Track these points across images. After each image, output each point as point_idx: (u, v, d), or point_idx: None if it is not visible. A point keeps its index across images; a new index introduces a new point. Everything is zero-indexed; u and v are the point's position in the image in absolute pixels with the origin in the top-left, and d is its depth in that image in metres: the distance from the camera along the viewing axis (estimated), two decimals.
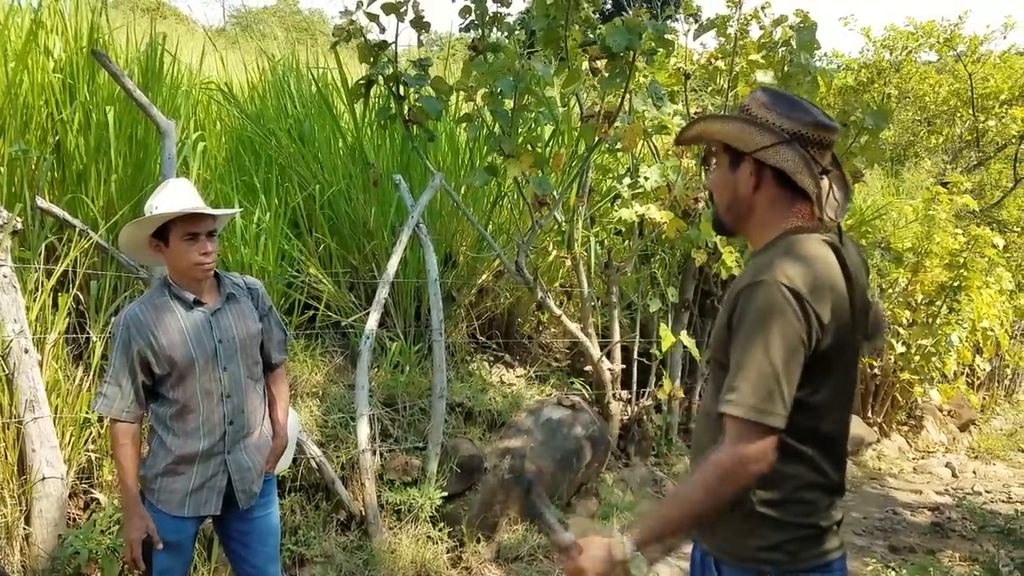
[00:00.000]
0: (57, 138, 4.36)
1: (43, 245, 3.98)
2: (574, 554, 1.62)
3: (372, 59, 4.52)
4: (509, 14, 4.67)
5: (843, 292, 1.66)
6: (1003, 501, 7.01)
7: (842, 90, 12.22)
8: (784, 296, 1.58)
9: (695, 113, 6.09)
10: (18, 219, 3.64)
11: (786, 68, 5.28)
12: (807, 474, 1.68)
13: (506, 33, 4.94)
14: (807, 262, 1.64)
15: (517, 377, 5.84)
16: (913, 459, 8.46)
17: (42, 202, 3.81)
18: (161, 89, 4.88)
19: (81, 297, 4.13)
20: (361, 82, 4.64)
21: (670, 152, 5.90)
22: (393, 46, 4.54)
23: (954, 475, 7.97)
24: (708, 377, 1.85)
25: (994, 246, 8.21)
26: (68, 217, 3.87)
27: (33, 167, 4.23)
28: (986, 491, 7.37)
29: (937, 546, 5.57)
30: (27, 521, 3.47)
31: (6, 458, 3.48)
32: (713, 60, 5.82)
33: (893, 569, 4.97)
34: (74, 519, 3.67)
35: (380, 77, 4.55)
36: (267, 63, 6.30)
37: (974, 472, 8.21)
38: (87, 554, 3.36)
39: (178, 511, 2.65)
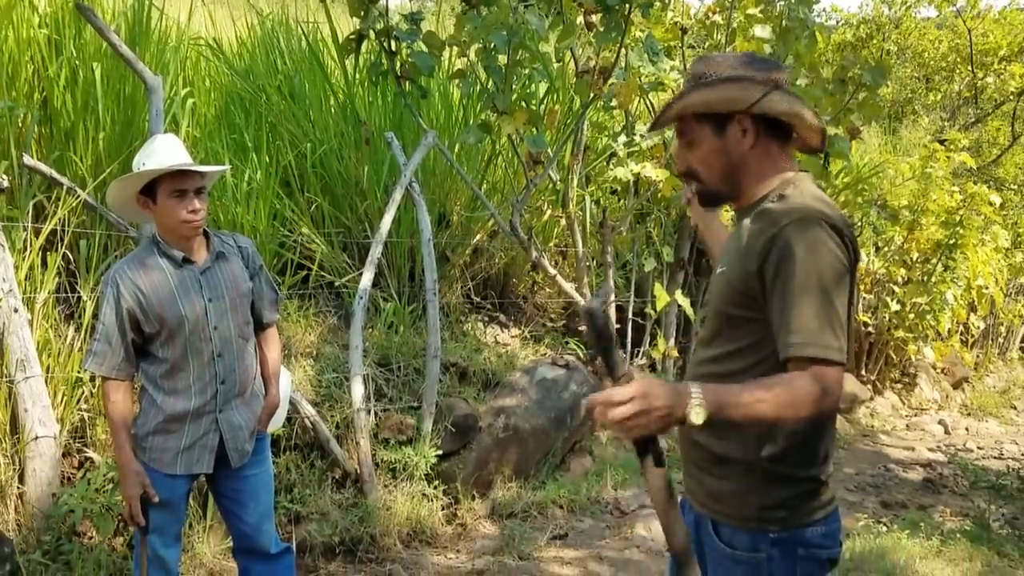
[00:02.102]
0: (44, 95, 4.29)
1: (31, 203, 3.93)
2: (626, 386, 1.49)
3: (363, 13, 4.43)
4: None
5: (853, 226, 1.66)
6: (995, 458, 7.08)
7: (841, 46, 12.09)
8: (827, 232, 1.57)
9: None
10: (5, 177, 3.59)
11: (784, 23, 5.20)
12: (809, 424, 1.65)
13: None
14: (825, 198, 1.65)
15: (512, 337, 5.84)
16: (906, 416, 8.53)
17: (29, 160, 3.75)
18: (149, 45, 4.79)
19: (70, 256, 4.10)
20: (351, 37, 4.55)
21: None
22: None
23: (947, 432, 8.04)
24: (708, 332, 1.78)
25: (991, 204, 8.17)
26: (56, 175, 3.82)
27: (20, 124, 4.16)
28: (978, 448, 7.44)
29: (929, 502, 5.63)
30: (21, 480, 3.47)
31: None
32: (711, 15, 5.74)
33: (885, 524, 5.02)
34: (68, 478, 3.67)
35: (371, 32, 4.46)
36: (256, 18, 6.19)
37: (966, 429, 8.28)
38: (81, 512, 3.36)
39: (170, 469, 2.64)
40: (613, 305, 6.05)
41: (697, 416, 1.46)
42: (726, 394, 1.50)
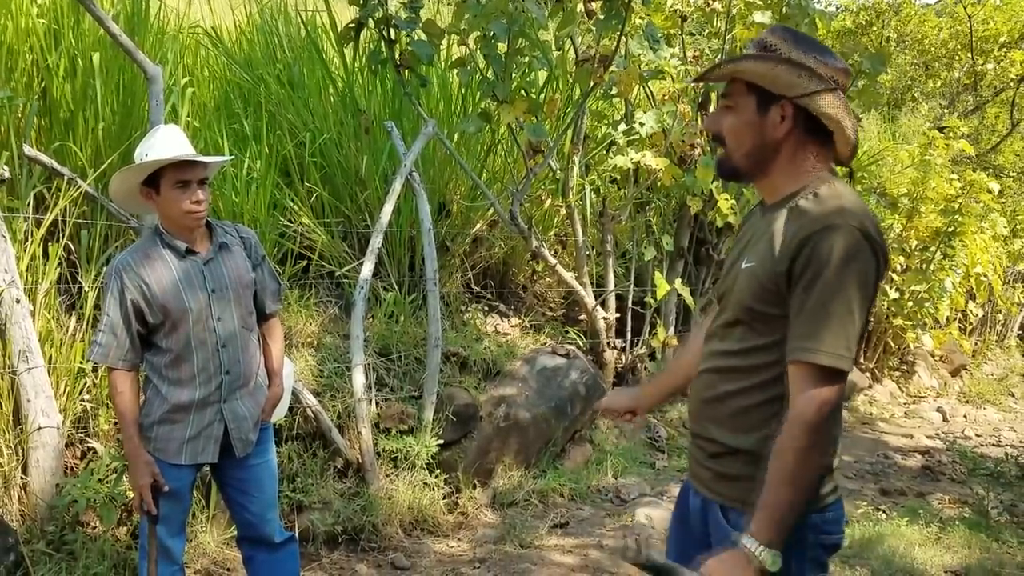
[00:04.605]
0: (43, 85, 4.28)
1: (32, 194, 3.92)
2: None
3: (362, 1, 4.42)
4: None
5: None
6: (993, 445, 7.10)
7: (840, 33, 12.06)
8: (860, 241, 1.57)
9: (692, 57, 6.01)
10: (5, 168, 3.58)
11: (784, 9, 5.19)
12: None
13: None
14: (863, 206, 1.65)
15: (512, 327, 5.84)
16: (904, 404, 8.55)
17: (30, 150, 3.75)
18: (147, 34, 4.78)
19: (72, 246, 4.09)
20: (351, 25, 4.54)
21: (666, 97, 5.83)
22: None
23: (945, 419, 8.06)
24: (728, 324, 1.77)
25: (989, 191, 8.17)
26: (56, 165, 3.81)
27: (19, 115, 4.15)
28: (976, 435, 7.47)
29: (927, 489, 5.65)
30: (24, 471, 3.48)
31: (1, 408, 3.48)
32: (711, 1, 5.71)
33: (884, 512, 5.05)
34: (72, 468, 3.68)
35: (370, 20, 4.45)
36: (254, 5, 6.16)
37: (965, 416, 8.31)
38: (85, 502, 3.38)
39: (175, 459, 2.65)
40: (613, 295, 6.06)
41: (773, 564, 1.54)
42: (770, 509, 1.56)
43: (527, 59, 4.84)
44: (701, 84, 5.56)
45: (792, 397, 1.60)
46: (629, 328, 6.27)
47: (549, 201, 5.88)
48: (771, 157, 1.72)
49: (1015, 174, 11.44)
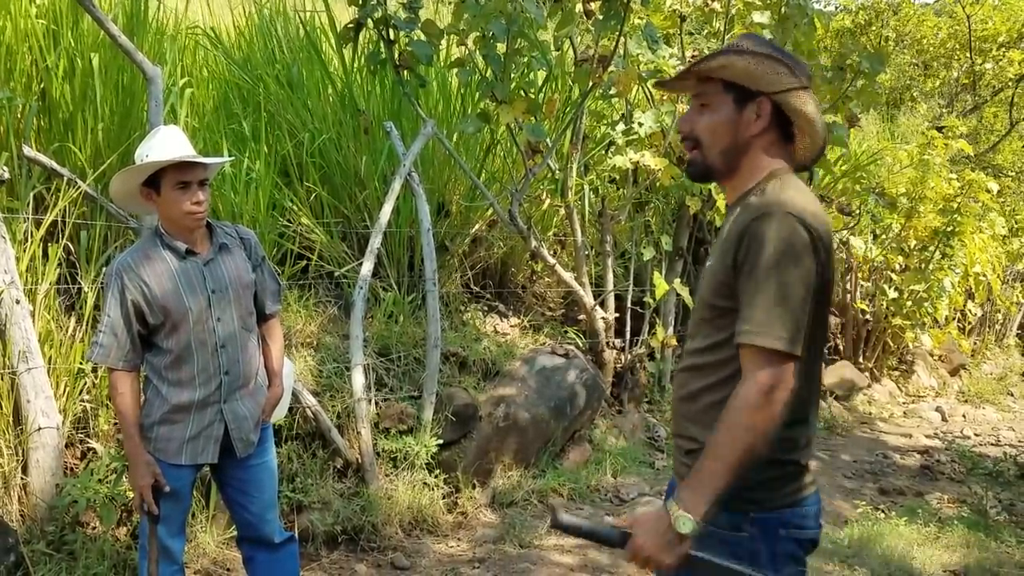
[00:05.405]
0: (42, 86, 4.28)
1: (31, 195, 3.93)
2: (630, 542, 1.65)
3: (361, 1, 4.42)
4: None
5: (831, 229, 1.70)
6: (992, 444, 7.11)
7: (839, 32, 12.06)
8: (794, 225, 1.61)
9: (691, 57, 6.01)
10: (5, 168, 3.59)
11: (783, 10, 5.19)
12: (791, 411, 1.67)
13: None
14: (807, 196, 1.69)
15: (511, 327, 5.85)
16: (903, 403, 8.56)
17: (29, 151, 3.75)
18: (147, 35, 4.78)
19: (71, 247, 4.10)
20: (350, 26, 4.54)
21: (665, 98, 5.83)
22: None
23: (944, 419, 8.07)
24: (696, 322, 1.83)
25: (988, 191, 8.18)
26: (56, 166, 3.81)
27: (19, 115, 4.15)
28: (975, 434, 7.48)
29: (926, 489, 5.66)
30: (24, 471, 3.49)
31: (1, 409, 3.49)
32: (709, 2, 5.72)
33: (882, 511, 5.06)
34: (71, 468, 3.68)
35: (369, 20, 4.45)
36: (253, 6, 6.16)
37: (964, 416, 8.32)
38: (85, 502, 3.38)
39: (175, 459, 2.66)
40: (612, 295, 6.06)
41: (684, 526, 1.58)
42: (697, 480, 1.60)
43: (526, 59, 4.85)
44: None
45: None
46: (628, 328, 6.28)
47: (548, 201, 5.89)
48: (742, 155, 1.76)
49: (1014, 174, 11.45)
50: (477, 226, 5.84)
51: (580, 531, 1.76)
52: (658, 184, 5.68)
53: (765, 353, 1.58)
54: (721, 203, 5.76)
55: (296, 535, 3.09)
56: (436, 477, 4.45)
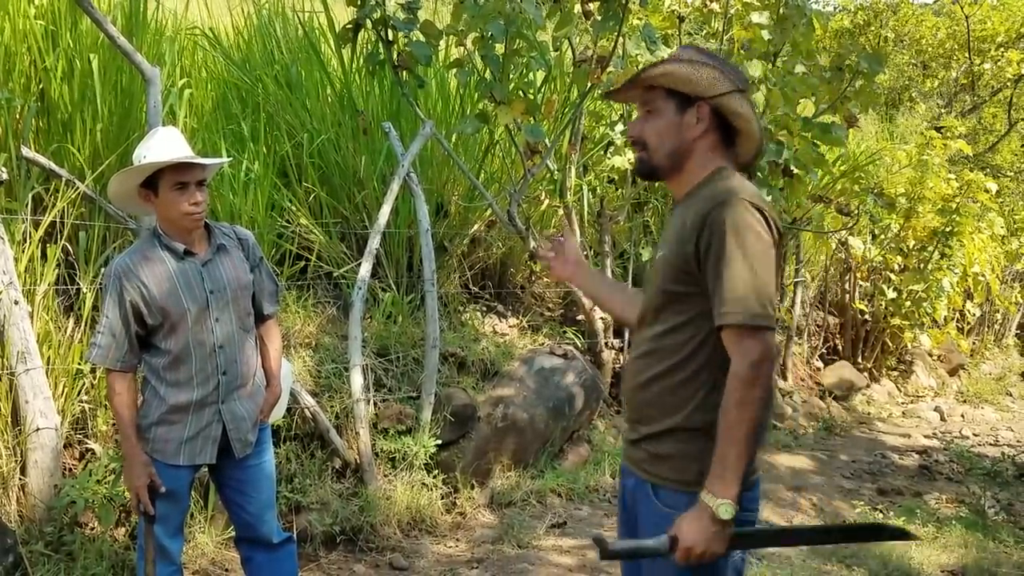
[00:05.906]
0: (41, 87, 4.28)
1: (30, 195, 3.92)
2: (678, 547, 1.72)
3: (359, 1, 4.42)
4: None
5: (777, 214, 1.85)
6: (990, 444, 7.12)
7: (838, 33, 12.07)
8: (749, 209, 1.75)
9: None
10: (4, 169, 3.58)
11: (782, 10, 5.19)
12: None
13: None
14: (752, 187, 1.84)
15: (510, 327, 5.85)
16: (902, 403, 8.57)
17: (28, 152, 3.74)
18: (145, 36, 4.78)
19: (70, 248, 4.10)
20: (348, 26, 4.54)
21: None
22: None
23: (942, 419, 8.08)
24: (652, 310, 1.92)
25: (987, 191, 8.19)
26: (54, 167, 3.81)
27: (18, 116, 4.15)
28: (974, 435, 7.49)
29: (925, 489, 5.66)
30: (23, 472, 3.48)
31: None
32: (708, 2, 5.72)
33: (881, 511, 5.06)
34: (70, 469, 3.68)
35: (368, 21, 4.45)
36: (252, 6, 6.16)
37: (962, 416, 8.32)
38: (83, 503, 3.38)
39: (173, 459, 2.66)
40: None
41: (726, 512, 1.68)
42: (721, 467, 1.70)
43: (525, 60, 4.85)
44: None
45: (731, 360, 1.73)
46: (627, 328, 6.28)
47: (547, 201, 5.89)
48: (686, 156, 1.90)
49: (1012, 174, 11.46)
50: (476, 226, 5.84)
51: (632, 553, 1.84)
52: (656, 184, 5.69)
53: (746, 329, 1.71)
54: None
55: (294, 535, 3.09)
56: (435, 477, 4.45)
